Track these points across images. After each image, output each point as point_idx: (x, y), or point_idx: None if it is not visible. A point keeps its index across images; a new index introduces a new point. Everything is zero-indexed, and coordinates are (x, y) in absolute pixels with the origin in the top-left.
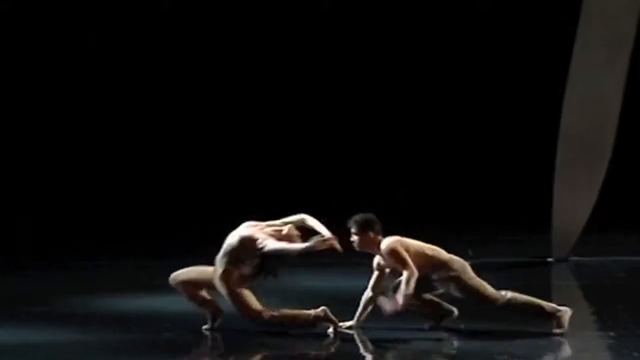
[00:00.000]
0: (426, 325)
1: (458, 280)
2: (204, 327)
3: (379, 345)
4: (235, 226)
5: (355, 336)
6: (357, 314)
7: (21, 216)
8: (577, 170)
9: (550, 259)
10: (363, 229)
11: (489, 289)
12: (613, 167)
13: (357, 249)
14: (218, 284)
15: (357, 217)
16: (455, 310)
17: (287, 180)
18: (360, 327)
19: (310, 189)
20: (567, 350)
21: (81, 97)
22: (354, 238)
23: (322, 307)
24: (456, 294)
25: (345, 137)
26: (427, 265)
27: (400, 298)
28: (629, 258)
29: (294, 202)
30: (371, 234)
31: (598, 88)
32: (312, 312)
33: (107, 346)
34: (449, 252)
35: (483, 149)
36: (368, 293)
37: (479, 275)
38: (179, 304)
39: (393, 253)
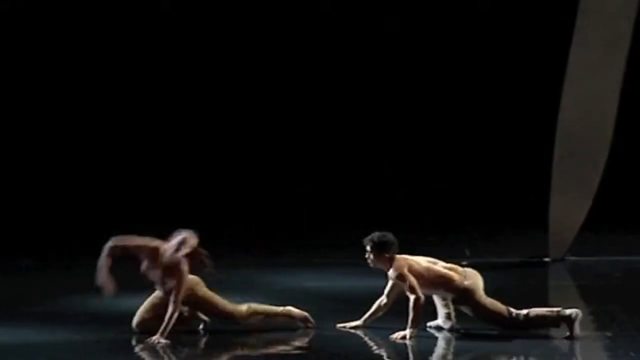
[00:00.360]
0: (428, 325)
1: (469, 300)
2: (201, 326)
3: (379, 345)
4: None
5: (357, 336)
6: (366, 315)
7: (21, 216)
8: (574, 170)
9: (547, 259)
10: (379, 250)
11: (501, 307)
12: (610, 167)
13: (371, 265)
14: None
15: (375, 237)
16: (453, 324)
17: (287, 181)
18: (364, 327)
19: (311, 189)
20: (564, 349)
21: (82, 97)
22: (369, 256)
23: (288, 307)
24: (468, 312)
25: (345, 137)
26: (437, 287)
27: (407, 330)
28: (625, 258)
29: (294, 202)
30: (386, 255)
31: (595, 87)
32: (280, 309)
33: (107, 346)
34: (449, 255)
35: (481, 149)
36: (383, 299)
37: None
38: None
39: (401, 277)
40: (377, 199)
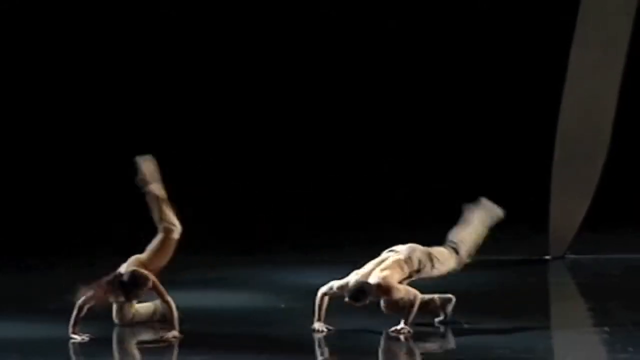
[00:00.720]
0: (434, 321)
1: (419, 253)
2: (201, 327)
3: (379, 342)
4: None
5: (357, 333)
6: (317, 311)
7: (22, 216)
8: (574, 169)
9: (547, 257)
10: (361, 298)
11: (448, 254)
12: (609, 166)
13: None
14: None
15: (352, 292)
16: (452, 297)
17: (287, 181)
18: (362, 327)
19: (311, 189)
20: (563, 344)
21: (82, 98)
22: (358, 304)
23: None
24: (430, 271)
25: (345, 137)
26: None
27: (404, 324)
28: (624, 256)
29: (294, 202)
30: (367, 297)
31: (595, 87)
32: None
33: (107, 346)
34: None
35: (481, 149)
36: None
37: None
38: (179, 304)
39: (390, 289)
40: (377, 199)
